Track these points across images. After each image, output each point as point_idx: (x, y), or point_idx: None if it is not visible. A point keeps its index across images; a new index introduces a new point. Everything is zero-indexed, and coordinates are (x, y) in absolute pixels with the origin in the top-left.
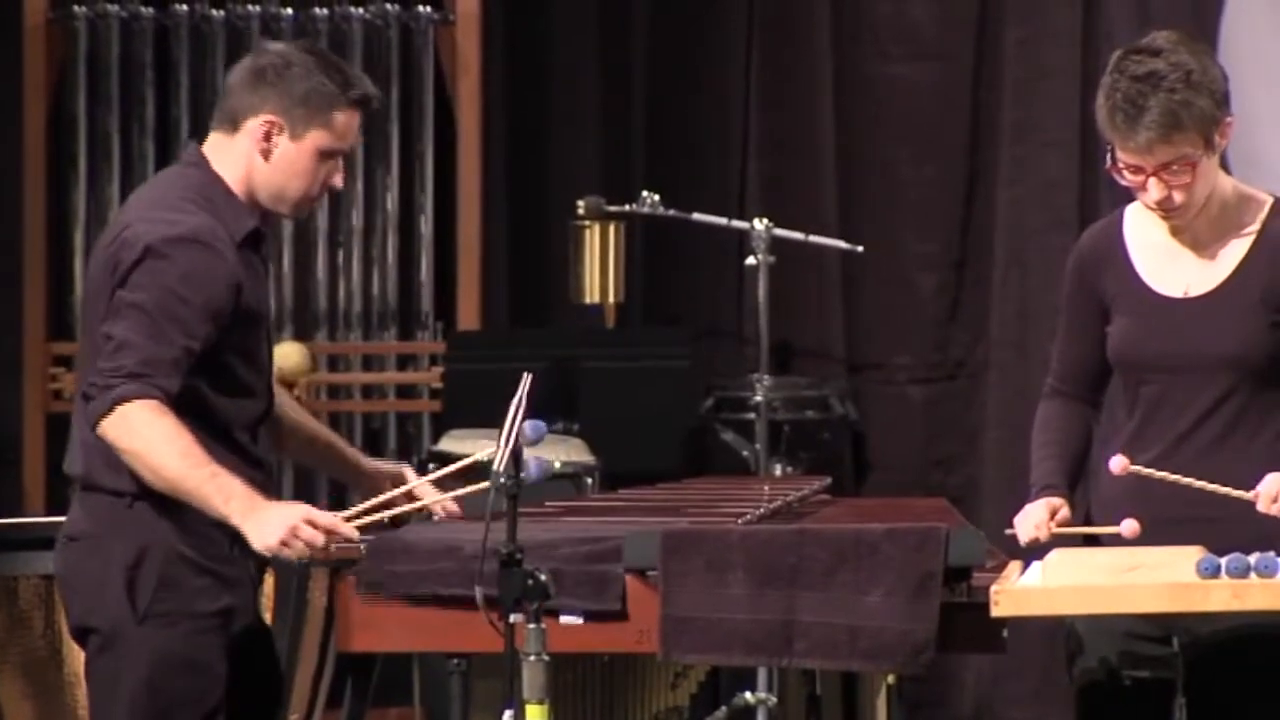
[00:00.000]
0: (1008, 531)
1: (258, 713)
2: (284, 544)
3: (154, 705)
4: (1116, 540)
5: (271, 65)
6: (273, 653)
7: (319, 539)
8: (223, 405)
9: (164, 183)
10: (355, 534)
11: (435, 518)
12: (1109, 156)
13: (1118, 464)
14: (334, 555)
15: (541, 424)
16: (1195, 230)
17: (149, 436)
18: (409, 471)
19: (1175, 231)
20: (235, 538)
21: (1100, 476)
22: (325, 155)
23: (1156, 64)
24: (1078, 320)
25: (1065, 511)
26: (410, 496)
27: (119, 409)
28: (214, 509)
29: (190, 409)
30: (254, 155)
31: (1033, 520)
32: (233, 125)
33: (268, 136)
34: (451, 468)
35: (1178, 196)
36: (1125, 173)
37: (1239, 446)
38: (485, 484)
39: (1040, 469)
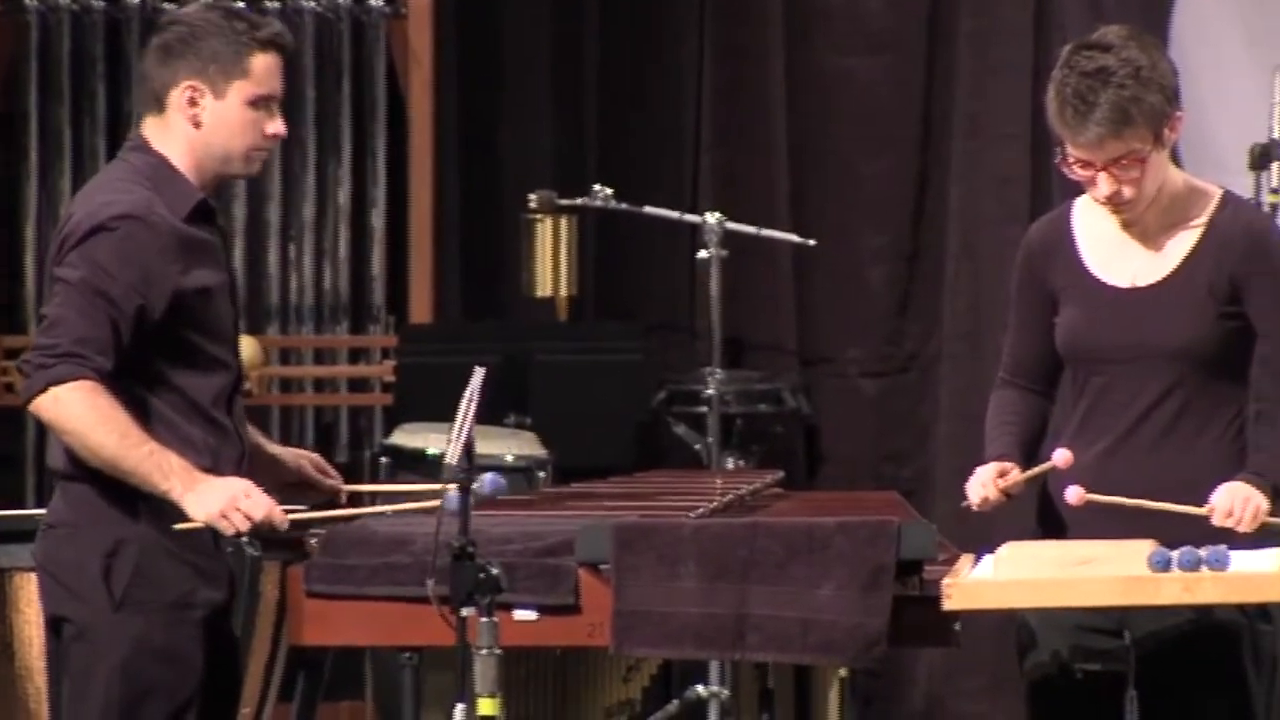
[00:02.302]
0: (963, 504)
1: (219, 709)
2: (223, 515)
3: (128, 693)
4: (1056, 474)
5: (176, 34)
6: (236, 649)
7: (257, 512)
8: (191, 381)
9: (108, 172)
10: (284, 519)
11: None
12: (1059, 151)
13: (1074, 494)
14: (266, 526)
15: (502, 481)
16: (1144, 222)
17: (85, 417)
18: (309, 462)
19: (1125, 224)
20: (217, 531)
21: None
22: (255, 104)
23: (1106, 59)
24: (1027, 313)
25: (1016, 473)
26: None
27: (54, 390)
28: (153, 485)
29: (158, 388)
30: (186, 127)
31: (980, 480)
32: (158, 105)
33: (192, 103)
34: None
35: (1127, 191)
36: (1075, 168)
37: (1186, 440)
38: (435, 486)
39: (994, 445)
